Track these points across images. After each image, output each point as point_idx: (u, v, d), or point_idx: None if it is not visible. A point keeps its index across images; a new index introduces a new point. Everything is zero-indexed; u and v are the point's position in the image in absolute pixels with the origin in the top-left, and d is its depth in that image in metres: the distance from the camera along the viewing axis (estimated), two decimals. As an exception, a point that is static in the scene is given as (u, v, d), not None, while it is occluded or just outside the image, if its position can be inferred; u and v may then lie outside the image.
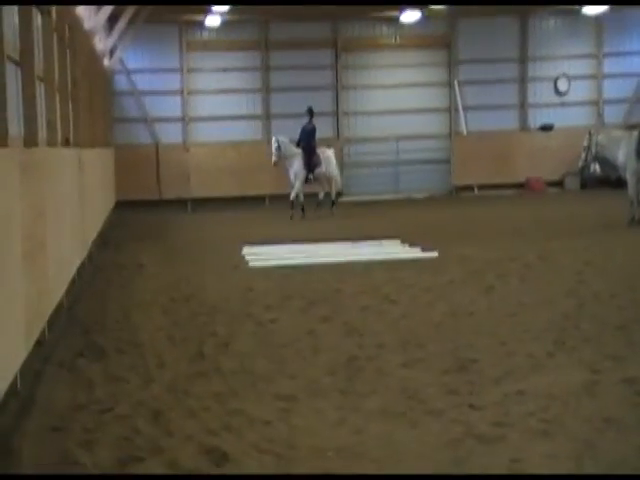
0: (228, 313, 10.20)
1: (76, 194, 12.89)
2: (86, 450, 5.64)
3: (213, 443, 5.68)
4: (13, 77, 10.27)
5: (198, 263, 14.58)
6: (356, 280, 12.33)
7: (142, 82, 28.71)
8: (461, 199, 28.59)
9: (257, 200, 28.03)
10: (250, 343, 8.63)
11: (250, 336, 8.96)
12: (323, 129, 29.20)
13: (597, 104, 31.18)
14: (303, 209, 22.11)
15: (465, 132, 30.59)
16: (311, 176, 22.23)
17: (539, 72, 30.95)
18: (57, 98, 13.16)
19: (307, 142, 22.10)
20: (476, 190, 30.30)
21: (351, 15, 29.18)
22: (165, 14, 26.91)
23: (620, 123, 29.41)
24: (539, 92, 31.03)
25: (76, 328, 9.64)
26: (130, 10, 24.19)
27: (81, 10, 17.49)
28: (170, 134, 29.06)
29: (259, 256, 15.04)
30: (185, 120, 29.27)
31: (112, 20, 23.86)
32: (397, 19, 29.25)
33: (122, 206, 25.90)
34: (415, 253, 14.93)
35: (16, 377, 6.88)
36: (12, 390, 6.71)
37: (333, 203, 22.90)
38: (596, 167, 18.76)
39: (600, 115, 30.96)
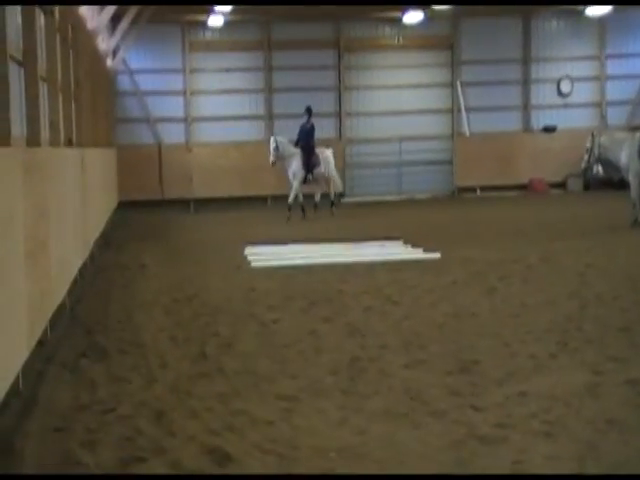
0: (231, 313, 10.20)
1: (78, 194, 12.90)
2: (88, 450, 5.64)
3: (215, 443, 5.68)
4: (16, 77, 10.27)
5: (200, 263, 14.58)
6: (358, 281, 12.33)
7: (145, 82, 28.73)
8: (463, 200, 28.58)
9: (259, 200, 28.04)
10: (253, 343, 8.63)
11: (253, 336, 8.96)
12: (325, 130, 29.31)
13: (600, 106, 31.17)
14: (303, 209, 22.07)
15: (468, 133, 30.59)
16: (310, 176, 22.18)
17: (542, 73, 30.94)
18: (60, 98, 13.18)
19: (306, 141, 22.06)
20: (479, 191, 30.30)
21: (354, 16, 29.19)
22: (168, 14, 26.94)
23: (623, 125, 29.39)
24: (542, 93, 31.02)
25: (78, 328, 9.64)
26: (133, 10, 24.22)
27: (84, 10, 17.50)
28: (173, 134, 29.07)
29: (261, 256, 15.03)
30: (188, 120, 29.27)
31: (115, 20, 23.88)
32: (400, 20, 29.26)
33: (124, 206, 25.92)
34: (417, 254, 14.93)
35: (18, 377, 6.88)
36: (14, 390, 6.71)
37: (332, 203, 22.85)
38: (599, 169, 18.74)
39: (603, 117, 30.94)
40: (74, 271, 11.85)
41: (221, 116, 29.21)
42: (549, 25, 30.91)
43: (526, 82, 30.87)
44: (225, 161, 28.65)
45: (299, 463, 5.35)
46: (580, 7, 29.08)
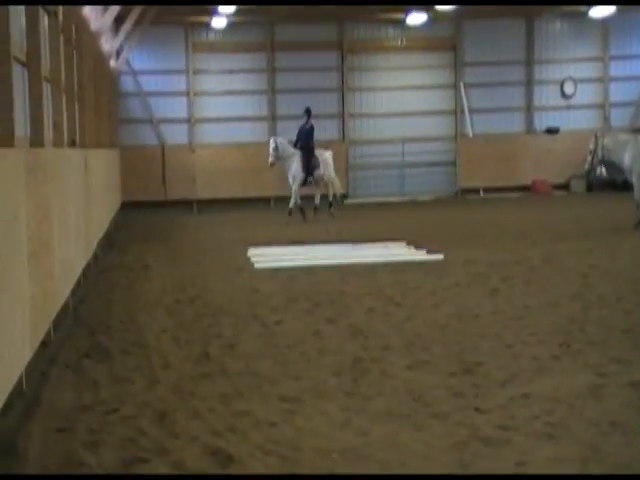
0: (233, 314, 10.20)
1: (82, 195, 12.90)
2: (91, 451, 5.64)
3: (218, 444, 5.68)
4: (20, 78, 10.28)
5: (203, 264, 14.59)
6: (361, 282, 12.33)
7: (148, 83, 28.74)
8: (466, 201, 28.58)
9: (262, 201, 28.05)
10: (255, 344, 8.63)
11: (255, 337, 8.96)
12: (328, 131, 29.36)
13: (603, 107, 31.15)
14: (303, 212, 21.97)
15: (471, 134, 30.58)
16: (310, 179, 22.12)
17: (545, 75, 30.92)
18: (63, 99, 13.18)
19: (305, 142, 22.01)
20: (482, 192, 30.29)
21: (357, 17, 29.21)
22: (171, 15, 26.97)
23: (626, 126, 29.37)
24: (545, 95, 31.01)
25: (81, 329, 9.65)
26: (136, 11, 24.24)
27: (88, 11, 17.51)
28: (176, 135, 29.08)
29: (264, 257, 15.04)
30: (191, 121, 29.29)
31: (118, 21, 23.91)
32: (403, 21, 29.26)
33: (128, 207, 25.95)
34: (420, 255, 14.93)
35: (21, 378, 6.89)
36: (17, 391, 6.71)
37: (331, 205, 22.70)
38: (602, 170, 18.75)
39: (606, 118, 30.92)
40: (77, 272, 11.86)
41: (224, 117, 29.22)
42: (552, 26, 30.90)
43: (529, 83, 30.86)
44: (228, 162, 28.67)
45: (302, 464, 5.35)
46: (583, 8, 29.07)
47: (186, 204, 27.96)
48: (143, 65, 28.58)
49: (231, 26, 28.45)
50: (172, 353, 8.35)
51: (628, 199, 18.59)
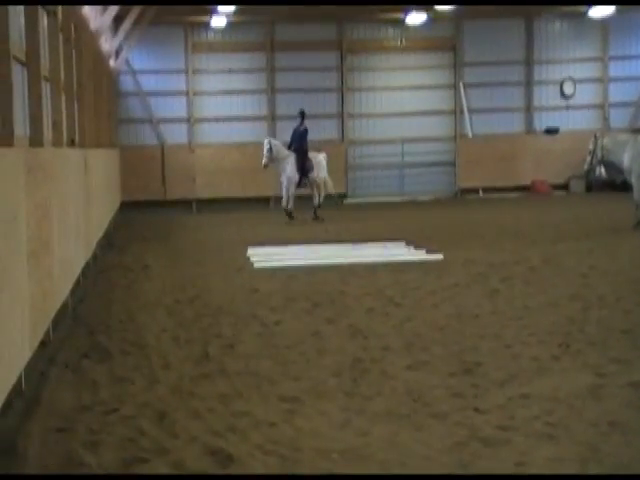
0: (233, 314, 10.20)
1: (81, 194, 12.90)
2: (91, 451, 5.64)
3: (218, 444, 5.68)
4: (19, 77, 10.27)
5: (203, 264, 14.59)
6: (361, 282, 12.33)
7: (147, 83, 28.76)
8: (466, 201, 28.59)
9: (262, 201, 28.05)
10: (255, 345, 8.63)
11: (255, 338, 8.96)
12: (328, 131, 29.41)
13: (603, 107, 31.17)
14: (291, 214, 21.89)
15: (470, 135, 30.60)
16: (305, 180, 22.11)
17: (545, 75, 30.95)
18: (63, 98, 13.18)
19: (299, 145, 22.00)
20: (481, 193, 30.31)
21: (356, 17, 29.22)
22: (170, 15, 26.97)
23: (626, 126, 29.39)
24: (544, 95, 31.03)
25: (81, 329, 9.64)
26: (136, 11, 24.24)
27: (87, 10, 17.51)
28: (175, 135, 29.10)
29: (264, 257, 15.04)
30: (190, 121, 29.30)
31: (118, 21, 23.91)
32: (402, 21, 29.27)
33: (127, 207, 25.97)
34: (420, 255, 14.92)
35: (21, 377, 6.88)
36: (17, 391, 6.71)
37: (319, 206, 22.57)
38: (601, 170, 18.74)
39: (606, 118, 30.94)
40: (77, 271, 11.85)
41: (224, 117, 29.25)
42: (552, 27, 30.92)
43: (529, 84, 30.88)
44: (228, 162, 28.68)
45: (301, 464, 5.35)
46: (583, 8, 29.08)
47: (185, 204, 27.98)
48: (142, 65, 28.59)
49: (231, 26, 28.46)
50: (172, 353, 8.35)
51: (627, 199, 18.60)
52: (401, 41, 30.27)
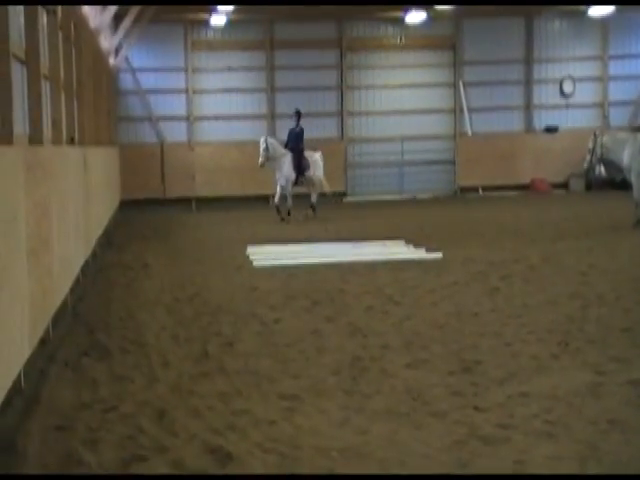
0: (232, 313, 10.20)
1: (81, 193, 12.90)
2: (90, 449, 5.64)
3: (217, 442, 5.68)
4: (19, 76, 10.27)
5: (202, 262, 14.59)
6: (360, 280, 12.33)
7: (147, 81, 28.75)
8: (465, 200, 28.59)
9: (261, 200, 28.04)
10: (254, 343, 8.63)
11: (254, 336, 8.96)
12: (327, 129, 29.43)
13: (602, 106, 31.16)
14: (279, 212, 21.79)
15: (470, 133, 30.60)
16: (302, 179, 22.11)
17: (544, 74, 30.94)
18: (62, 97, 13.18)
19: (295, 144, 22.01)
20: (481, 191, 30.31)
21: (356, 15, 29.22)
22: (170, 13, 26.97)
23: (625, 125, 29.38)
24: (544, 94, 31.03)
25: (80, 327, 9.64)
26: (135, 9, 24.23)
27: (87, 9, 17.50)
28: (175, 133, 29.10)
29: (263, 256, 15.04)
30: (190, 119, 29.29)
31: (117, 19, 23.91)
32: (402, 20, 29.27)
33: (127, 205, 25.96)
34: (419, 254, 14.92)
35: (20, 375, 6.89)
36: (16, 388, 6.72)
37: (312, 206, 22.55)
38: (601, 169, 18.74)
39: (605, 117, 30.94)
40: (76, 270, 11.86)
41: (223, 115, 29.25)
42: (552, 25, 30.91)
43: (528, 82, 30.87)
44: (227, 160, 28.67)
45: (301, 463, 5.35)
46: (583, 8, 29.08)
47: (185, 202, 27.97)
48: (142, 63, 28.59)
49: (230, 24, 28.46)
50: (171, 351, 8.35)
51: (627, 198, 18.60)
52: (401, 39, 30.26)
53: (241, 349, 8.37)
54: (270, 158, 21.89)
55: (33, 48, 9.87)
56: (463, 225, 19.72)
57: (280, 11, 27.63)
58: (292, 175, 21.87)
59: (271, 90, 29.60)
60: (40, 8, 10.99)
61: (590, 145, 18.47)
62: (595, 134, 18.67)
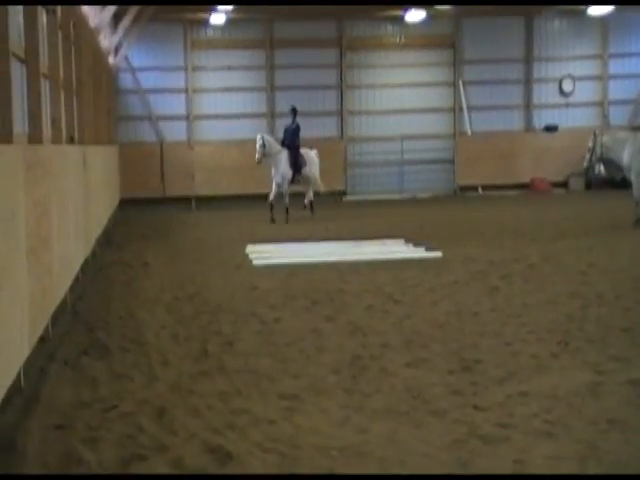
0: (232, 312, 10.19)
1: (80, 191, 12.90)
2: (90, 448, 5.64)
3: (217, 442, 5.67)
4: (18, 74, 10.26)
5: (202, 261, 14.58)
6: (360, 279, 12.32)
7: (147, 80, 28.75)
8: (465, 199, 28.58)
9: (261, 198, 27.96)
10: (254, 342, 8.63)
11: (254, 335, 8.96)
12: (327, 128, 29.44)
13: (602, 105, 31.17)
14: (272, 212, 21.76)
15: (469, 132, 30.60)
16: (299, 177, 22.10)
17: (544, 73, 30.95)
18: (62, 95, 13.17)
19: (291, 141, 22.00)
20: (480, 190, 30.30)
21: (356, 14, 29.21)
22: (170, 12, 26.97)
23: (625, 124, 29.40)
24: (544, 93, 31.03)
25: (80, 326, 9.64)
26: (135, 8, 24.23)
27: (86, 8, 17.50)
28: (175, 132, 29.10)
29: (263, 255, 15.03)
30: (190, 118, 29.29)
31: (117, 18, 23.91)
32: (402, 19, 29.27)
33: (126, 204, 25.95)
34: (419, 253, 14.92)
35: (20, 374, 6.89)
36: (16, 387, 6.71)
37: (311, 204, 22.50)
38: (601, 168, 18.75)
39: (605, 116, 30.93)
40: (76, 268, 11.86)
41: (223, 114, 29.25)
42: (551, 24, 30.91)
43: (528, 81, 30.88)
44: (227, 159, 28.67)
45: (301, 462, 5.35)
46: (582, 7, 29.07)
47: (185, 201, 27.94)
48: (142, 62, 28.59)
49: (230, 23, 28.47)
50: (171, 350, 8.35)
51: (627, 197, 18.60)
52: (400, 38, 30.27)
53: (241, 348, 8.37)
54: (266, 155, 21.89)
55: (33, 47, 9.86)
56: (463, 224, 19.71)
57: (280, 10, 27.62)
58: (289, 173, 21.86)
59: (271, 89, 29.60)
60: (40, 7, 10.99)
61: (590, 144, 18.47)
62: (595, 133, 18.67)
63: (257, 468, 5.26)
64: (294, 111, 22.24)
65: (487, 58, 30.32)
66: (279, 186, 21.93)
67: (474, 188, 30.30)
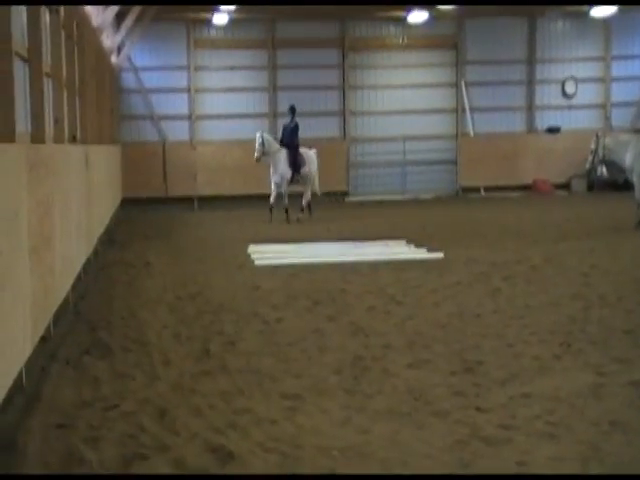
0: (234, 312, 10.19)
1: (83, 191, 12.90)
2: (91, 447, 5.63)
3: (219, 441, 5.67)
4: (21, 74, 10.27)
5: (204, 261, 14.58)
6: (362, 280, 12.32)
7: (149, 79, 28.75)
8: (467, 200, 28.57)
9: (263, 198, 27.95)
10: (256, 342, 8.63)
11: (256, 335, 8.95)
12: (329, 129, 29.44)
13: (604, 107, 31.15)
14: (271, 213, 21.75)
15: (472, 133, 30.58)
16: (298, 176, 22.08)
17: (547, 74, 30.94)
18: (65, 95, 13.16)
19: (290, 140, 21.98)
20: (482, 191, 30.29)
21: (358, 15, 29.21)
22: (173, 12, 26.98)
23: (627, 126, 29.38)
24: (546, 94, 31.02)
25: (82, 325, 9.64)
26: (138, 8, 24.24)
27: (89, 7, 17.50)
28: (177, 132, 29.10)
29: (265, 255, 15.03)
30: (192, 118, 29.29)
31: (120, 17, 23.91)
32: (404, 19, 29.27)
33: (128, 203, 25.96)
34: (421, 254, 14.91)
35: (21, 373, 6.88)
36: (17, 386, 6.71)
37: (309, 204, 22.51)
38: (603, 170, 18.74)
39: (607, 118, 30.92)
40: (78, 268, 11.85)
41: (225, 114, 29.25)
42: (554, 26, 30.90)
43: (530, 83, 30.86)
44: (229, 159, 28.67)
45: (302, 462, 5.34)
46: (585, 8, 29.06)
47: (187, 201, 27.95)
48: (144, 61, 28.59)
49: (232, 23, 28.47)
50: (173, 350, 8.35)
51: (629, 199, 18.60)
52: (403, 39, 30.26)
53: (243, 348, 8.37)
54: (265, 153, 21.90)
55: (35, 46, 9.86)
56: (465, 225, 19.70)
57: (282, 10, 27.63)
58: (288, 173, 21.85)
59: (273, 89, 29.60)
60: (43, 7, 10.99)
61: (592, 146, 18.47)
62: (597, 135, 18.66)
63: (259, 468, 5.25)
64: (293, 110, 22.22)
65: (490, 59, 30.31)
66: (278, 186, 21.92)
67: (476, 189, 30.29)
